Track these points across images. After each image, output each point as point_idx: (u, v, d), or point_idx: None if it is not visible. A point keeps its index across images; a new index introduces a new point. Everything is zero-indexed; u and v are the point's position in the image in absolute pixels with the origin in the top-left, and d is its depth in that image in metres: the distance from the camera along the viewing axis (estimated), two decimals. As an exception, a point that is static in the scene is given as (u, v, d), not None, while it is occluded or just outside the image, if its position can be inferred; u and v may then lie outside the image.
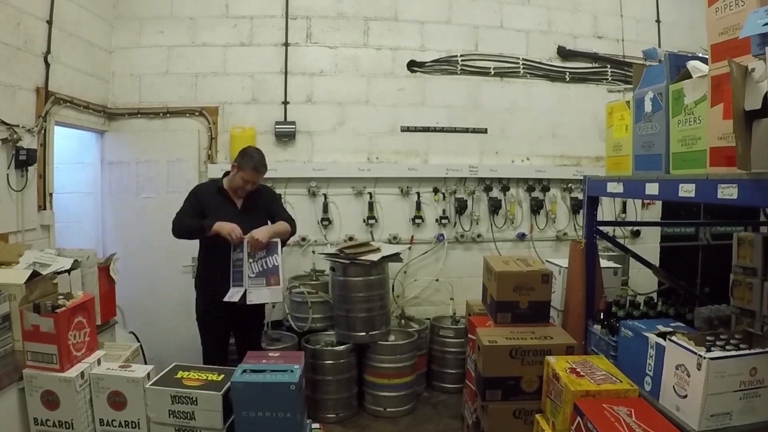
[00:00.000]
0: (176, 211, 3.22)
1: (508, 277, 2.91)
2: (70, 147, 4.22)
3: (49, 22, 3.48)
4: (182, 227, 3.16)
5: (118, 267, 3.17)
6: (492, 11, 4.74)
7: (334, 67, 4.58)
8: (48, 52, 3.47)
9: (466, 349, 3.72)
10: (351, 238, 4.51)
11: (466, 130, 4.73)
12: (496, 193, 4.76)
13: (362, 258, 3.87)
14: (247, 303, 3.07)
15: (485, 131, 4.76)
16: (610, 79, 4.89)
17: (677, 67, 2.06)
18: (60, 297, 2.27)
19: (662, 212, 5.01)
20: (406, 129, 4.67)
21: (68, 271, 2.70)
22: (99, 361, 2.25)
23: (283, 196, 4.49)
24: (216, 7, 4.46)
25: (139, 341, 3.60)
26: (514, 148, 4.81)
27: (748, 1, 1.61)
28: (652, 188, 2.11)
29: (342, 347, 3.93)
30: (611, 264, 3.48)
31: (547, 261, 3.66)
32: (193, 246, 4.33)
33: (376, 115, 4.63)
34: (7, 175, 3.11)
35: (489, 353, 2.63)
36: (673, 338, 1.92)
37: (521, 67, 4.78)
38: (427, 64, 4.66)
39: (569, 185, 4.86)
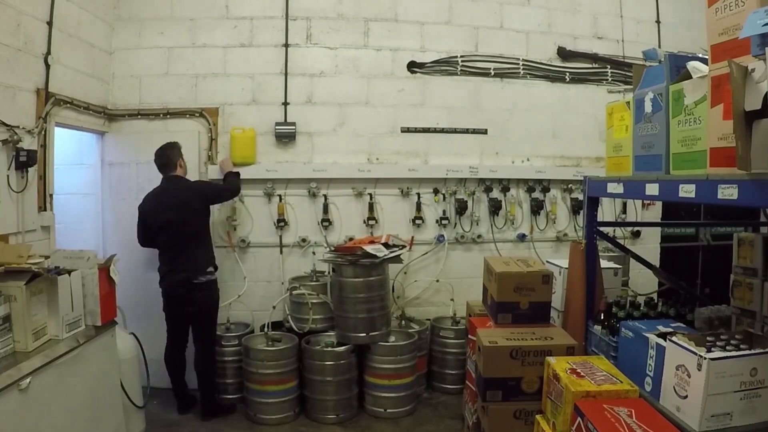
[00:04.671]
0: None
1: (508, 278, 2.92)
2: (71, 148, 4.23)
3: (50, 24, 3.47)
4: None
5: (118, 268, 3.17)
6: (492, 12, 4.73)
7: (334, 68, 4.58)
8: (48, 53, 3.47)
9: (467, 349, 3.72)
10: (351, 239, 4.51)
11: (466, 131, 4.73)
12: (496, 193, 4.76)
13: (364, 249, 3.89)
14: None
15: (485, 132, 4.76)
16: (610, 79, 4.89)
17: (677, 67, 2.06)
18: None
19: (662, 213, 5.00)
20: (407, 130, 4.67)
21: (69, 272, 2.70)
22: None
23: (283, 197, 4.50)
24: (216, 8, 4.46)
25: (139, 342, 3.60)
26: (515, 149, 4.81)
27: (748, 1, 1.61)
28: (652, 189, 2.11)
29: (342, 348, 3.93)
30: (611, 264, 3.48)
31: (547, 262, 3.66)
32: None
33: (376, 116, 4.63)
34: (8, 176, 3.10)
35: (489, 354, 2.63)
36: (674, 339, 1.92)
37: (521, 67, 4.78)
38: (427, 65, 4.66)
39: (569, 186, 4.86)
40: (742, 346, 1.91)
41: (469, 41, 4.72)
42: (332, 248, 4.23)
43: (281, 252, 4.53)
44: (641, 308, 2.62)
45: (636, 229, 4.97)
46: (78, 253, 2.88)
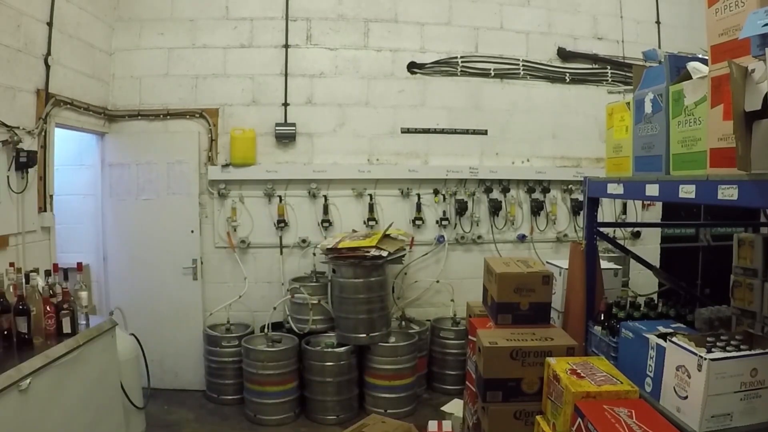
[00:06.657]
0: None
1: (508, 279, 2.91)
2: (71, 149, 4.23)
3: (50, 24, 3.48)
4: None
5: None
6: (492, 13, 4.74)
7: (334, 69, 4.58)
8: (48, 54, 3.47)
9: (467, 350, 3.71)
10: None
11: (466, 132, 4.74)
12: (496, 194, 4.76)
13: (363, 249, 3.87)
14: None
15: (485, 132, 4.76)
16: (610, 80, 4.89)
17: (677, 68, 2.06)
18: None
19: (662, 213, 5.01)
20: (407, 130, 4.67)
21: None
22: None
23: (283, 198, 4.50)
24: (216, 9, 4.46)
25: (139, 343, 3.60)
26: (515, 150, 4.81)
27: (747, 1, 1.61)
28: (652, 189, 2.11)
29: (342, 349, 3.93)
30: (612, 265, 3.47)
31: (547, 262, 3.65)
32: (192, 247, 4.35)
33: (376, 116, 4.63)
34: (8, 177, 3.10)
35: (489, 355, 2.63)
36: (674, 339, 1.92)
37: (521, 68, 4.78)
38: (427, 66, 4.66)
39: (569, 186, 4.86)
40: (742, 347, 1.90)
41: (469, 42, 4.72)
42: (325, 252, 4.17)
43: (281, 253, 4.53)
44: (641, 309, 2.61)
45: (636, 229, 4.97)
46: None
